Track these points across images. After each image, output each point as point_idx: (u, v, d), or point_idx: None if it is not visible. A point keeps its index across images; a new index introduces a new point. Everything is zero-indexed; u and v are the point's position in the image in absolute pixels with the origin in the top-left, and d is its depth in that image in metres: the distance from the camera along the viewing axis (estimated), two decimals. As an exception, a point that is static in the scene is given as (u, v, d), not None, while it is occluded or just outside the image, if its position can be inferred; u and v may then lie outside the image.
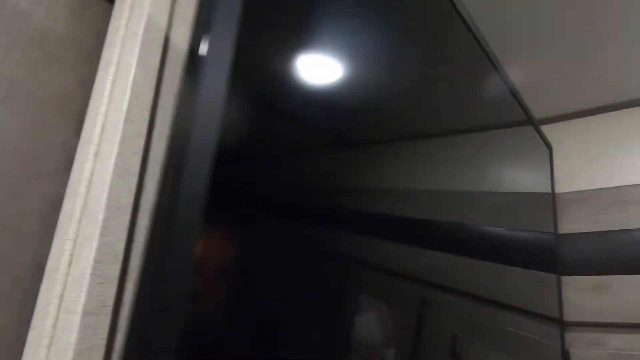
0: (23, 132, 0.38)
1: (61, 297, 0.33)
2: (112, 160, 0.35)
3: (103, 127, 0.39)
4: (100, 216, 0.33)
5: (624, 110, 1.04)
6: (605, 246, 0.98)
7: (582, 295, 0.93)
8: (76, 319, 0.30)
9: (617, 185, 1.01)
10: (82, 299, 0.30)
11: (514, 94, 0.80)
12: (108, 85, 0.40)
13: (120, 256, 0.34)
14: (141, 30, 0.40)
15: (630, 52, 0.93)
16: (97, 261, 0.32)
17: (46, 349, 0.31)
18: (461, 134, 0.85)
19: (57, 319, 0.32)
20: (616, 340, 0.90)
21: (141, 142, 0.38)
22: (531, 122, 0.88)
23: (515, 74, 0.91)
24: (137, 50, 0.39)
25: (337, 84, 0.55)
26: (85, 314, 0.30)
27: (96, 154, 0.38)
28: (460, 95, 0.82)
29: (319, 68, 0.54)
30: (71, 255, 0.34)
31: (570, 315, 0.93)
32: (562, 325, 0.87)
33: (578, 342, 0.88)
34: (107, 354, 0.31)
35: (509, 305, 0.72)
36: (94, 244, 0.32)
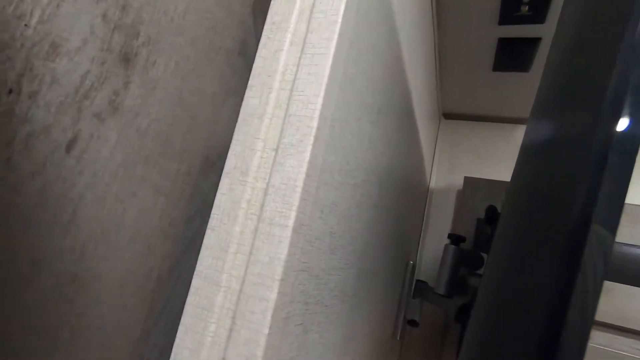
0: (211, -8, 0.31)
1: (249, 202, 0.29)
2: (329, 62, 0.29)
3: (301, 13, 0.32)
4: (314, 124, 0.28)
5: None
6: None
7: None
8: (286, 234, 0.27)
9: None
10: (293, 214, 0.27)
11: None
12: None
13: (318, 174, 0.30)
14: None
15: None
16: (307, 175, 0.28)
17: (233, 255, 0.28)
18: None
19: (245, 226, 0.28)
20: (600, 337, 1.01)
21: (346, 45, 0.32)
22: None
23: None
24: None
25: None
26: (294, 230, 0.27)
27: (291, 44, 0.32)
28: None
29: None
30: (262, 157, 0.29)
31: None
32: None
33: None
34: (295, 278, 0.29)
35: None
36: (306, 155, 0.28)
